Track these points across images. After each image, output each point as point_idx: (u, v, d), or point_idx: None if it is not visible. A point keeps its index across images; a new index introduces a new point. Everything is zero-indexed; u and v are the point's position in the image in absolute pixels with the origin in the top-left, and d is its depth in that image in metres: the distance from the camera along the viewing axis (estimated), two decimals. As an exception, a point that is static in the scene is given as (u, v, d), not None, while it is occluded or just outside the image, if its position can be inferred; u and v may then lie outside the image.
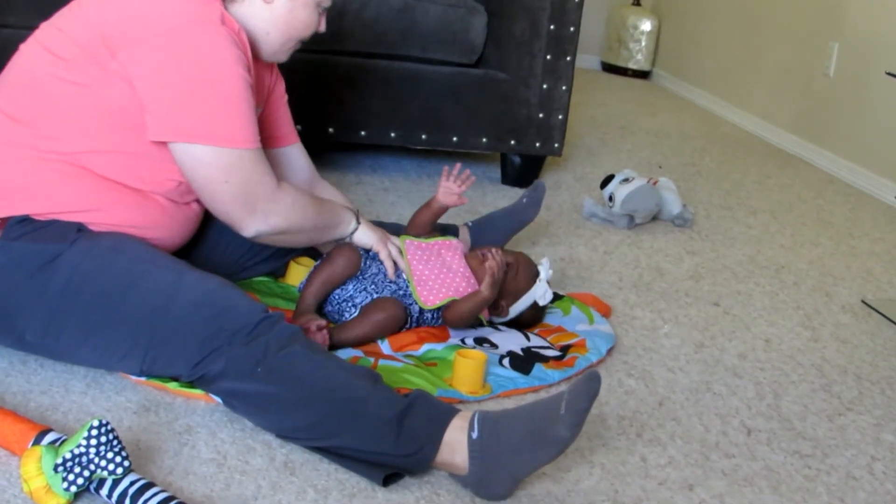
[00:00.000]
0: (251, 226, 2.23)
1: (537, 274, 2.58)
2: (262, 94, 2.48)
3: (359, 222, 2.51)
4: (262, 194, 2.20)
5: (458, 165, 2.73)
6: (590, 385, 1.84)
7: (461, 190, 2.68)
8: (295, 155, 2.70)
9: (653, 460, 2.15)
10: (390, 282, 2.48)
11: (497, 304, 2.56)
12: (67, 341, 2.09)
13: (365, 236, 2.51)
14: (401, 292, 2.48)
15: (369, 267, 2.50)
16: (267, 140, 2.50)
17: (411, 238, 2.59)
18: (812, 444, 2.31)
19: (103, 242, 2.10)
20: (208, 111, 2.13)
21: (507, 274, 2.54)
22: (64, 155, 2.11)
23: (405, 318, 2.46)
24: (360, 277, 2.48)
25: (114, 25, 2.10)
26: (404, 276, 2.50)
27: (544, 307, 2.66)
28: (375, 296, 2.45)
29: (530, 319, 2.64)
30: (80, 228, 2.12)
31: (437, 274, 2.52)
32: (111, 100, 2.10)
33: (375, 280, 2.48)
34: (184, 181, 2.21)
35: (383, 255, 2.50)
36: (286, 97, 2.62)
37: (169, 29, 2.10)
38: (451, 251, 2.59)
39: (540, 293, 2.57)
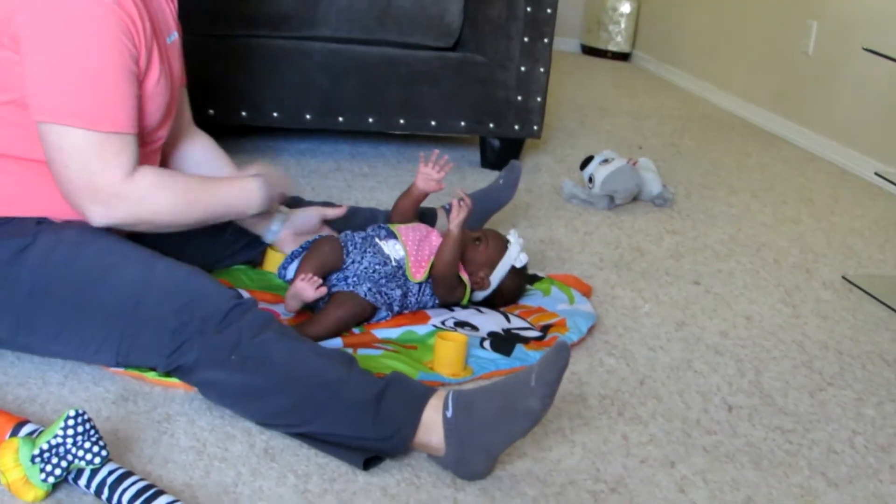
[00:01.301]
0: (94, 216, 2.06)
1: (507, 240, 2.60)
2: (167, 21, 2.27)
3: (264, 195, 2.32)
4: (103, 186, 2.03)
5: (436, 152, 2.72)
6: (559, 356, 1.83)
7: (440, 176, 2.68)
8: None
9: (634, 438, 2.15)
10: (373, 272, 2.46)
11: (476, 275, 2.56)
12: (40, 337, 2.08)
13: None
14: (382, 280, 2.47)
15: (349, 256, 2.49)
16: None
17: (398, 225, 2.61)
18: (793, 419, 2.31)
19: (67, 236, 2.08)
20: (56, 87, 2.00)
21: (478, 246, 2.57)
22: (12, 159, 2.09)
23: (370, 312, 2.45)
24: (343, 268, 2.47)
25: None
26: (396, 257, 2.50)
27: (524, 270, 2.66)
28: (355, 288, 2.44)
29: (513, 288, 2.65)
30: (39, 221, 2.10)
31: (425, 251, 2.53)
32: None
33: (357, 272, 2.46)
34: None
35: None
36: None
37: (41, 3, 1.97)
38: (431, 231, 2.60)
39: (515, 254, 2.59)
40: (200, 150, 2.55)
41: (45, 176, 2.07)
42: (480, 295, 2.61)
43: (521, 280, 2.68)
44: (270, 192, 2.34)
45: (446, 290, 2.53)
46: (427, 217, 2.90)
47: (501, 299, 2.64)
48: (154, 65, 2.12)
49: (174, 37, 2.30)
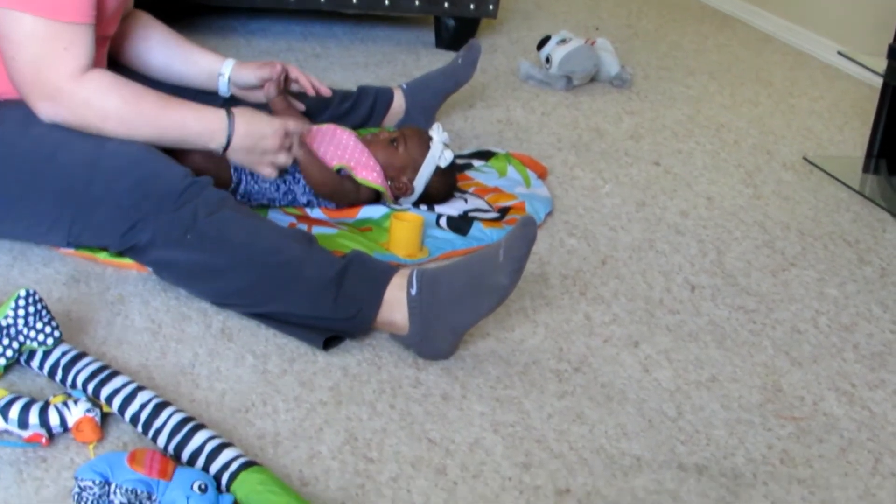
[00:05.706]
0: (41, 112, 1.97)
1: (430, 137, 2.48)
2: None
3: (231, 133, 2.10)
4: (50, 80, 1.93)
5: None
6: (526, 230, 1.81)
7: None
8: None
9: (597, 318, 2.13)
10: (275, 182, 2.33)
11: (398, 180, 2.44)
12: None
13: (240, 154, 2.13)
14: (285, 187, 2.34)
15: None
16: None
17: None
18: (756, 299, 2.29)
19: (13, 115, 2.00)
20: None
21: (395, 148, 2.44)
22: None
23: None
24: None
25: None
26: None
27: (453, 169, 2.51)
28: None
29: (442, 188, 2.50)
30: None
31: (327, 148, 2.38)
32: None
33: (262, 189, 2.33)
34: None
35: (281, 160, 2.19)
36: None
37: None
38: (342, 130, 2.47)
39: (438, 154, 2.44)
40: (152, 30, 2.43)
41: None
42: (407, 200, 2.48)
43: (449, 179, 2.52)
44: (248, 139, 2.12)
45: (331, 196, 2.39)
46: (382, 96, 2.84)
47: (431, 201, 2.50)
48: None
49: None
